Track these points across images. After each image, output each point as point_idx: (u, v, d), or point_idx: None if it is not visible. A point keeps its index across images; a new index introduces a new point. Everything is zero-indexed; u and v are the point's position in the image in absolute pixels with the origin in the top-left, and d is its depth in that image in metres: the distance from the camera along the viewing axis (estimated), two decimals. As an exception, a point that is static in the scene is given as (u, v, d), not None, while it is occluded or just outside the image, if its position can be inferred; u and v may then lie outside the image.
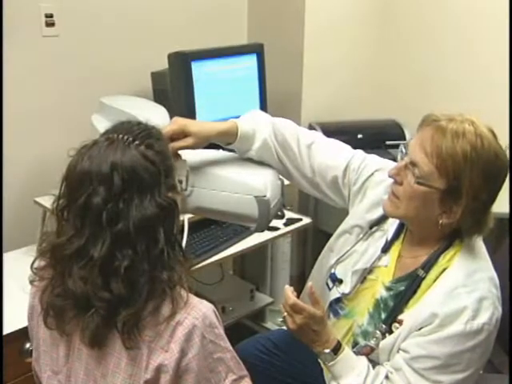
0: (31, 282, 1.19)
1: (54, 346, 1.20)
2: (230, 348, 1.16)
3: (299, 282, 3.13)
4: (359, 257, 1.51)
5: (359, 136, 2.83)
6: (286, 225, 2.39)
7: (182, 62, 2.31)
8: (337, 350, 1.39)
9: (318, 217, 2.85)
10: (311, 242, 3.04)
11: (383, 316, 1.43)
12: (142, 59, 2.49)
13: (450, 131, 1.28)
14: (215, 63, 2.43)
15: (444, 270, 1.36)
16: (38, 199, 2.14)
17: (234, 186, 1.44)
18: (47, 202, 1.15)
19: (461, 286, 1.32)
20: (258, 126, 1.53)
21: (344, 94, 3.03)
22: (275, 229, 2.33)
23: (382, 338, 1.40)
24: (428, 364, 1.31)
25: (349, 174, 1.54)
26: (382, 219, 1.51)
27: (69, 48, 2.29)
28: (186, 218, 1.66)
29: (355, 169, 1.54)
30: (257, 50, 2.57)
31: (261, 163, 1.55)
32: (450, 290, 1.32)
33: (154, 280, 1.09)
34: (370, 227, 1.52)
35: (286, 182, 1.59)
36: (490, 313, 1.30)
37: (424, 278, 1.37)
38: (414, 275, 1.39)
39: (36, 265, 1.18)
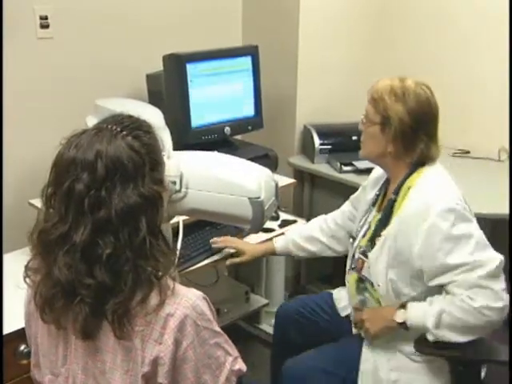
0: (25, 279, 1.19)
1: (53, 348, 1.21)
2: (222, 331, 1.18)
3: (294, 283, 3.14)
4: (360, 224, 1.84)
5: (353, 138, 2.82)
6: (280, 226, 2.40)
7: (176, 64, 2.32)
8: (402, 306, 1.62)
9: (312, 218, 2.84)
10: (306, 244, 3.03)
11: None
12: (137, 61, 2.49)
13: (382, 80, 1.69)
14: (210, 65, 2.44)
15: (409, 188, 1.64)
16: (32, 201, 2.14)
17: (228, 188, 1.45)
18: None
19: (424, 190, 1.61)
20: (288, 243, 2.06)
21: (339, 95, 3.03)
22: (270, 230, 2.33)
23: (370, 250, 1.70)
24: (447, 260, 1.52)
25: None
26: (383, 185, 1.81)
27: (63, 50, 2.29)
28: (180, 220, 1.66)
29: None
30: (251, 51, 2.58)
31: (255, 165, 1.55)
32: (417, 192, 1.61)
33: (138, 269, 1.09)
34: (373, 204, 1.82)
35: (281, 184, 1.60)
36: (453, 199, 1.57)
37: (395, 201, 1.67)
38: (389, 201, 1.70)
39: (30, 265, 1.18)
